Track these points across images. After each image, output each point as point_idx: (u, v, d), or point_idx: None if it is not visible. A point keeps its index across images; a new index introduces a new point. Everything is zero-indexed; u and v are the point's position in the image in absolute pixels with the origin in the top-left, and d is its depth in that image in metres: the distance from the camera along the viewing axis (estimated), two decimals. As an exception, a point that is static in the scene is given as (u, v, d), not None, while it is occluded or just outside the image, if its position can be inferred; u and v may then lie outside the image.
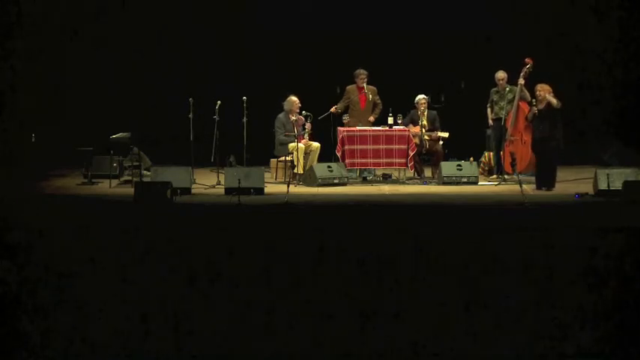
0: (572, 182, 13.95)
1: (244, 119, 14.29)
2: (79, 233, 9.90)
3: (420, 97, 14.65)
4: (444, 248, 9.44)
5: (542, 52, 15.06)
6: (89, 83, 15.94)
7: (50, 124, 15.49)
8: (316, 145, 14.55)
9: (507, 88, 14.45)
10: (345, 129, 14.42)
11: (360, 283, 8.77)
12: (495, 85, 14.60)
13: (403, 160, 14.32)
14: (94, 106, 15.81)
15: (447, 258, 9.17)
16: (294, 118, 14.45)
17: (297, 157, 14.20)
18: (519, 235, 9.83)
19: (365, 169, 14.80)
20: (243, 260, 9.17)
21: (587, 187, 13.11)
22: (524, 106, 14.11)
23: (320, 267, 9.04)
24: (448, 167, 14.20)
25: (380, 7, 16.25)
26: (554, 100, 13.28)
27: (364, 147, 14.29)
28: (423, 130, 14.54)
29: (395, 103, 14.62)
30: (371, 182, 14.57)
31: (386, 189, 13.90)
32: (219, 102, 14.14)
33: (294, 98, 14.51)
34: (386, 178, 14.79)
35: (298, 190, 13.59)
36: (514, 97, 14.31)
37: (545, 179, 13.37)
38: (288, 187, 12.80)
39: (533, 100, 13.60)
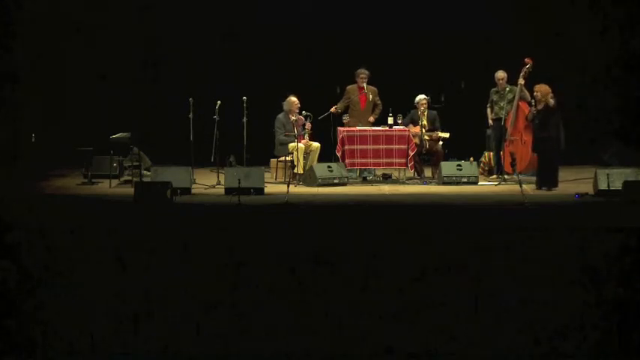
0: (572, 182, 13.95)
1: (244, 119, 14.29)
2: (79, 233, 9.89)
3: (421, 97, 14.65)
4: (444, 248, 9.45)
5: (543, 52, 15.06)
6: (89, 83, 15.94)
7: (50, 124, 15.50)
8: (316, 145, 14.55)
9: (507, 88, 14.45)
10: (345, 129, 14.42)
11: (360, 283, 8.77)
12: (495, 85, 14.60)
13: (403, 160, 14.32)
14: (94, 106, 15.81)
15: (447, 258, 9.17)
16: (294, 118, 14.45)
17: (297, 157, 14.20)
18: (519, 235, 9.83)
19: (365, 169, 14.81)
20: (243, 260, 9.17)
21: (587, 187, 13.11)
22: (524, 106, 14.12)
23: (320, 267, 9.04)
24: (448, 167, 14.20)
25: (380, 7, 16.25)
26: (551, 101, 13.29)
27: (364, 147, 14.29)
28: (423, 130, 14.54)
29: (395, 103, 14.62)
30: (371, 182, 14.58)
31: (386, 189, 13.90)
32: (219, 102, 14.14)
33: (293, 98, 14.51)
34: (386, 178, 14.79)
35: (298, 190, 13.59)
36: (514, 97, 14.31)
37: (547, 179, 13.37)
38: (288, 187, 12.80)
39: (532, 101, 13.61)
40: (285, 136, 14.45)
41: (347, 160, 14.30)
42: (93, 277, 8.79)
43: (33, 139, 15.12)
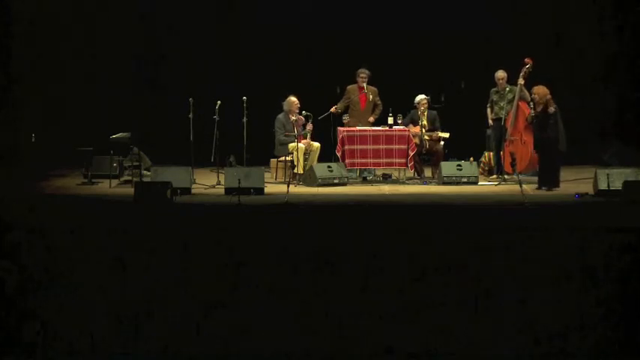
0: (572, 182, 13.94)
1: (244, 119, 14.29)
2: (79, 233, 9.89)
3: (421, 98, 14.65)
4: (444, 248, 9.45)
5: (543, 52, 15.06)
6: (89, 83, 15.94)
7: (50, 124, 15.49)
8: (316, 145, 14.55)
9: (507, 88, 14.45)
10: (345, 129, 14.42)
11: (360, 283, 8.77)
12: (495, 84, 14.60)
13: (403, 160, 14.32)
14: (94, 106, 15.81)
15: (447, 258, 9.17)
16: (294, 118, 14.45)
17: (297, 157, 14.20)
18: (519, 235, 9.83)
19: (365, 169, 14.80)
20: (243, 260, 9.17)
21: (587, 187, 13.10)
22: (524, 106, 14.11)
23: (320, 267, 9.04)
24: (448, 167, 14.20)
25: (380, 7, 16.25)
26: (551, 109, 13.27)
27: (364, 147, 14.29)
28: (423, 130, 14.54)
29: (395, 103, 14.61)
30: (371, 182, 14.58)
31: (386, 189, 13.90)
32: (219, 102, 14.14)
33: (293, 99, 14.51)
34: (386, 178, 14.79)
35: (298, 190, 13.59)
36: (514, 97, 14.31)
37: (549, 179, 13.36)
38: (288, 187, 12.80)
39: (531, 104, 13.61)
40: (285, 136, 14.45)
41: (347, 160, 14.30)
42: (93, 277, 8.79)
43: (33, 139, 15.11)
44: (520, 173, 13.60)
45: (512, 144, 14.22)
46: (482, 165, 14.81)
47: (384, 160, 14.36)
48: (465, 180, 14.07)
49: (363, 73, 14.73)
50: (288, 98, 14.53)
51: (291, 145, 14.35)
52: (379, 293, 8.57)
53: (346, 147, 14.27)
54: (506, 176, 14.23)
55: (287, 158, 14.38)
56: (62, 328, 8.04)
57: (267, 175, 14.03)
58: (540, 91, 13.47)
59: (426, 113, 14.64)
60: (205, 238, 9.92)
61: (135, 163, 14.11)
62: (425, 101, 14.64)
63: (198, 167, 14.38)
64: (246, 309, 8.32)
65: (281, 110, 14.58)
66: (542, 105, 13.38)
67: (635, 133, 15.51)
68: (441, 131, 14.59)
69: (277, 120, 14.53)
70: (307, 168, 14.28)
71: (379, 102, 14.80)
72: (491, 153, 14.74)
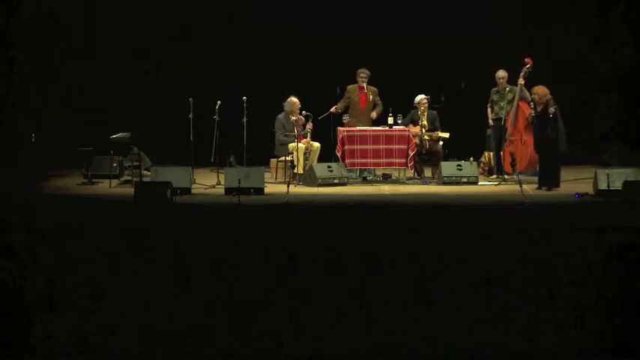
0: (572, 182, 13.94)
1: (244, 119, 14.29)
2: (79, 233, 9.90)
3: (422, 97, 14.65)
4: (444, 248, 9.45)
5: (542, 52, 15.05)
6: (89, 83, 15.93)
7: (50, 124, 15.48)
8: (316, 145, 14.55)
9: (507, 88, 14.45)
10: (345, 129, 14.41)
11: (360, 284, 8.77)
12: (495, 84, 14.60)
13: (403, 160, 14.32)
14: (94, 106, 15.80)
15: (447, 258, 9.17)
16: (294, 118, 14.45)
17: (297, 157, 14.20)
18: (519, 235, 9.83)
19: (365, 169, 14.80)
20: (243, 260, 9.17)
21: (587, 187, 13.10)
22: (524, 106, 14.11)
23: (320, 267, 9.04)
24: (448, 167, 14.20)
25: (380, 7, 16.24)
26: (551, 109, 13.27)
27: (364, 147, 14.29)
28: (423, 130, 14.53)
29: (395, 103, 14.61)
30: (371, 182, 14.57)
31: (386, 189, 13.90)
32: (219, 102, 14.14)
33: (294, 99, 14.51)
34: (386, 178, 14.79)
35: (298, 190, 13.58)
36: (514, 97, 14.31)
37: (549, 179, 13.35)
38: (288, 187, 12.80)
39: (531, 104, 13.61)
40: (285, 136, 14.45)
41: (347, 160, 14.30)
42: (93, 277, 8.79)
43: (33, 139, 15.11)
44: (520, 173, 13.60)
45: (512, 144, 14.22)
46: (482, 165, 14.81)
47: (384, 160, 14.36)
48: (465, 180, 14.07)
49: (363, 73, 14.73)
50: (289, 99, 14.53)
51: (291, 145, 14.35)
52: (379, 293, 8.57)
53: (346, 147, 14.27)
54: (506, 176, 14.22)
55: (287, 158, 14.38)
56: (62, 327, 8.04)
57: (267, 175, 14.02)
58: (540, 91, 13.47)
59: (426, 113, 14.63)
60: (205, 238, 9.92)
61: (135, 163, 14.10)
62: (425, 101, 14.64)
63: (198, 167, 14.37)
64: (247, 309, 8.32)
65: (281, 110, 14.58)
66: (542, 105, 13.39)
67: (635, 133, 15.49)
68: (441, 131, 14.58)
69: (277, 120, 14.53)
70: (307, 168, 14.28)
71: (379, 102, 14.80)
72: (491, 153, 14.74)
